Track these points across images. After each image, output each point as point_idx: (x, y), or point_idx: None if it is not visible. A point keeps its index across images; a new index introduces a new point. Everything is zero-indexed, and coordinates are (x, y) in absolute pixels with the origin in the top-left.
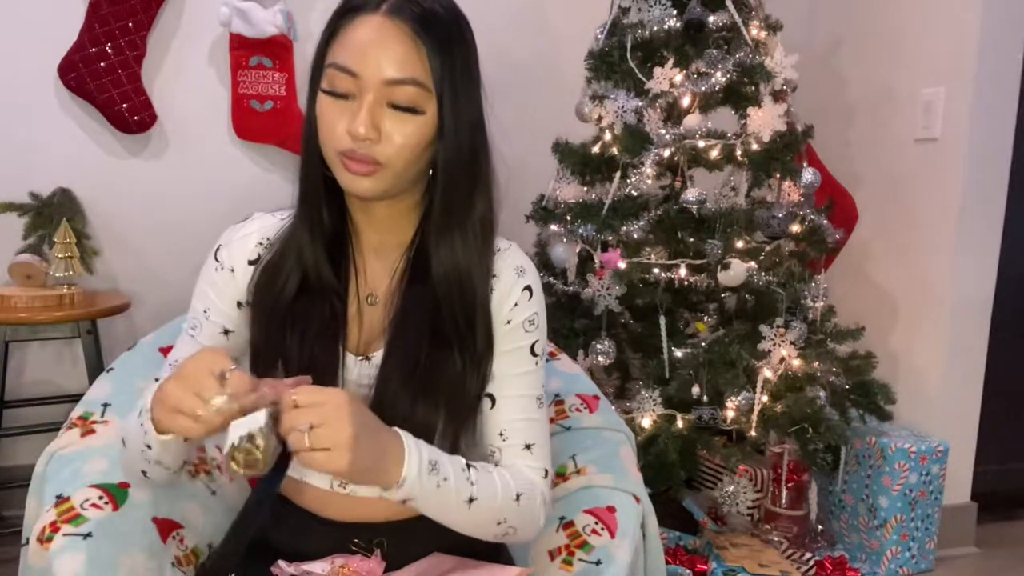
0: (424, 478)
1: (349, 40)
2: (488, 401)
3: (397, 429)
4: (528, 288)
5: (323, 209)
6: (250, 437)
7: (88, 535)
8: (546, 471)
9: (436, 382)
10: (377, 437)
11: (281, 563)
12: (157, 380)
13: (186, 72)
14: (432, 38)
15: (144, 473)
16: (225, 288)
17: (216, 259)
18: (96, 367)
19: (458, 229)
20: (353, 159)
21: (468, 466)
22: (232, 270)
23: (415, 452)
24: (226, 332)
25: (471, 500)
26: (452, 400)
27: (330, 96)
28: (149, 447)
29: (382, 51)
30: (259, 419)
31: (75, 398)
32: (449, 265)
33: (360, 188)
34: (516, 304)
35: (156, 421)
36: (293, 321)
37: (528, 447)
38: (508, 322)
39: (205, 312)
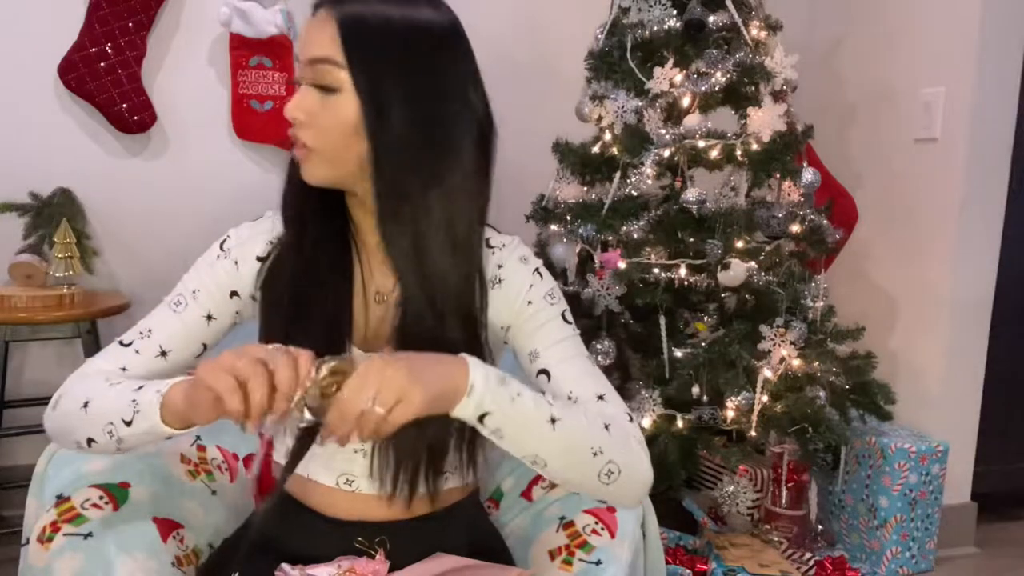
0: (493, 387)
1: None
2: (544, 377)
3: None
4: (537, 270)
5: (308, 209)
6: (338, 371)
7: (88, 535)
8: (630, 416)
9: None
10: (434, 361)
11: (285, 567)
12: (124, 344)
13: (186, 72)
14: (346, 17)
15: (89, 442)
16: (223, 276)
17: (221, 248)
18: None
19: (411, 230)
20: (294, 144)
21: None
22: (236, 262)
23: (479, 364)
24: (209, 318)
25: (553, 420)
26: None
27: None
28: (128, 423)
29: (310, 34)
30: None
31: None
32: (406, 269)
33: (303, 174)
34: (531, 285)
35: (182, 405)
36: (297, 315)
37: (601, 397)
38: (530, 302)
39: (194, 292)
